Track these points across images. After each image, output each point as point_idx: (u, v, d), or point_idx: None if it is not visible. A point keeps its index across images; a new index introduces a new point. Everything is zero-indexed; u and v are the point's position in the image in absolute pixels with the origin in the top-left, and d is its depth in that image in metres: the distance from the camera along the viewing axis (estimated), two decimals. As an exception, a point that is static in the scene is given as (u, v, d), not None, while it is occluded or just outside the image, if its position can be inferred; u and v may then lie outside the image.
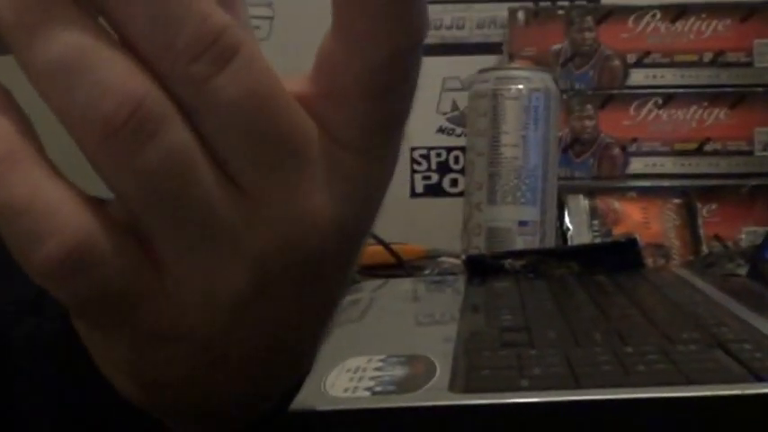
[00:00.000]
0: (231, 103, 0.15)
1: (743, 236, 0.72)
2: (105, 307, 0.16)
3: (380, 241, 0.58)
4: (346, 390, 0.27)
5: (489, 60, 0.83)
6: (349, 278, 0.17)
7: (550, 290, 0.46)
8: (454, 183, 0.86)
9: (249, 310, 0.16)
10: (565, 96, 0.74)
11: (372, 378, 0.30)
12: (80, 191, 0.16)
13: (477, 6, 0.86)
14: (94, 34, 0.15)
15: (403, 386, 0.28)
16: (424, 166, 0.86)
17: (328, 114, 0.16)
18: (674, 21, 0.76)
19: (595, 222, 0.68)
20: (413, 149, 0.86)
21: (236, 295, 0.16)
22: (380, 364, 0.31)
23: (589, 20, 0.77)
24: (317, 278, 0.17)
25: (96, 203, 0.16)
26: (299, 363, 0.19)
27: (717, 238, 0.70)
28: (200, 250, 0.15)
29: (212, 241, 0.15)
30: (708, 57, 0.76)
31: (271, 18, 0.88)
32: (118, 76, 0.14)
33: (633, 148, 0.75)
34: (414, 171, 0.86)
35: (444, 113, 0.86)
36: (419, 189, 0.86)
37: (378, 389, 0.28)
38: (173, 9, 0.14)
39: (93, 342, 0.17)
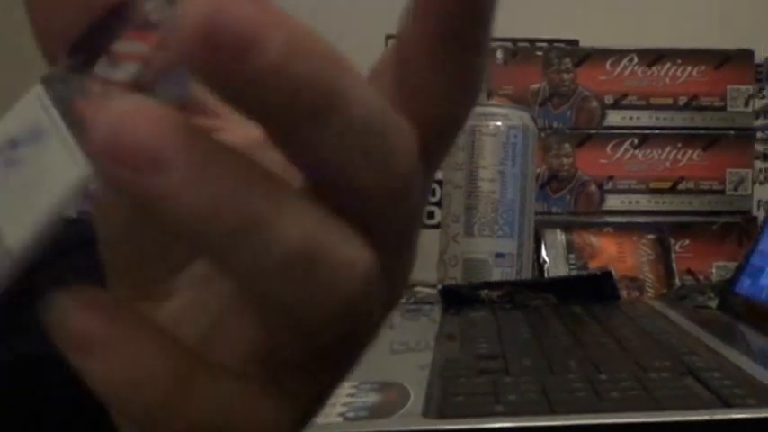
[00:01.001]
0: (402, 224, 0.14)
1: (713, 270, 0.74)
2: None
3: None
4: (318, 415, 0.27)
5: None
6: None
7: (527, 320, 0.46)
8: (431, 215, 0.86)
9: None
10: (543, 135, 0.75)
11: (344, 404, 0.29)
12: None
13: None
14: (322, 207, 0.13)
15: (376, 412, 0.28)
16: (403, 198, 0.87)
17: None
18: (650, 65, 0.78)
19: (572, 256, 0.69)
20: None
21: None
22: (353, 390, 0.31)
23: (567, 62, 0.79)
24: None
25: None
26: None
27: (689, 272, 0.72)
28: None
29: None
30: (683, 100, 0.78)
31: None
32: (352, 251, 0.13)
33: (609, 185, 0.76)
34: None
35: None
36: (397, 221, 0.86)
37: (350, 414, 0.28)
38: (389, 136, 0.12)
39: None
